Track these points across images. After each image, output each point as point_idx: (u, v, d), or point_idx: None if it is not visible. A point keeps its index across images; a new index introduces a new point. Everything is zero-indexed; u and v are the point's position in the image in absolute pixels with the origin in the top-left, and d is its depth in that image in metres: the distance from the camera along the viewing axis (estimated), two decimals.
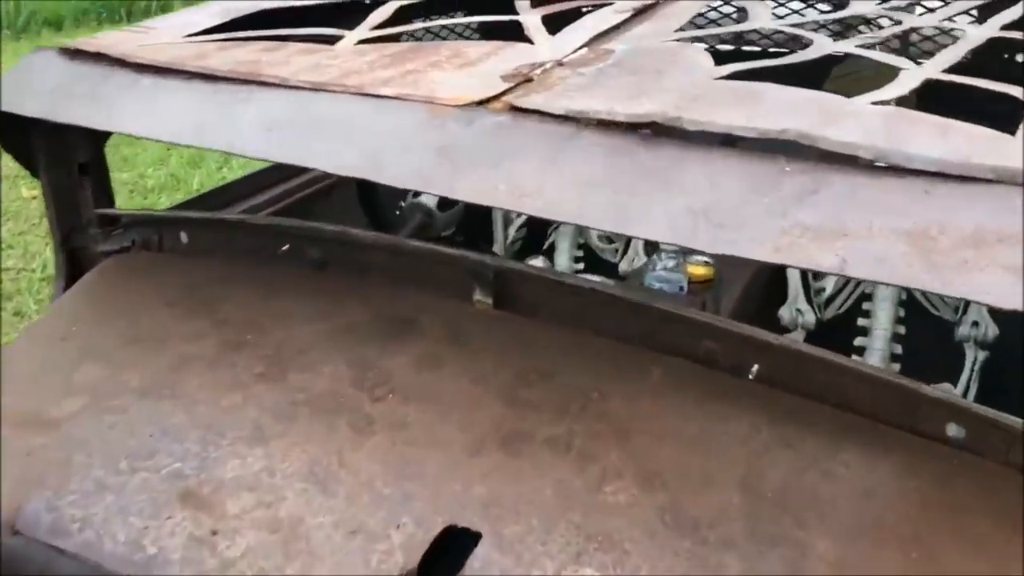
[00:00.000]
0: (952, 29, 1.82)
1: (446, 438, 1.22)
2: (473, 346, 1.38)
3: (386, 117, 1.36)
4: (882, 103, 1.26)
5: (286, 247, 1.64)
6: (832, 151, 1.11)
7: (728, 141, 1.20)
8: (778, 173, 1.12)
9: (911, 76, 1.38)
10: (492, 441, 1.20)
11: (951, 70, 1.42)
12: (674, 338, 1.34)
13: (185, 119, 1.47)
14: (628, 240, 2.82)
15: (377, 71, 1.51)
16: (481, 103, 1.34)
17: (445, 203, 2.35)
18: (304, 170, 2.66)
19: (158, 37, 1.77)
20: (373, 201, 2.40)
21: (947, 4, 2.00)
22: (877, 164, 1.10)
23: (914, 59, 2.04)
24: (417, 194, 2.40)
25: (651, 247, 2.76)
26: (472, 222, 2.57)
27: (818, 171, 1.11)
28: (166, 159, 5.65)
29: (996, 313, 2.53)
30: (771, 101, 1.28)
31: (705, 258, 2.42)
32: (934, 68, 1.42)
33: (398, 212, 2.48)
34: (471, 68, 1.51)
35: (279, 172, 2.61)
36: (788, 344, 1.27)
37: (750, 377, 1.30)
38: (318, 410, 1.27)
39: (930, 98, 1.42)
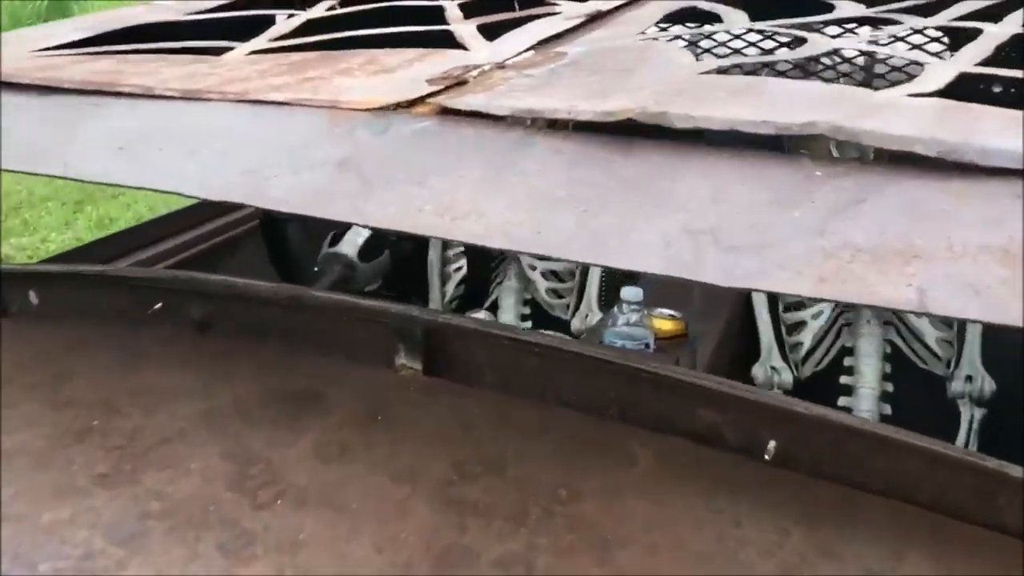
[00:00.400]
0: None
1: (357, 560, 0.87)
2: (395, 428, 1.04)
3: (274, 127, 1.03)
4: (920, 96, 0.98)
5: (158, 305, 1.28)
6: (880, 146, 0.81)
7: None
8: (805, 179, 0.82)
9: (941, 70, 1.10)
10: (421, 564, 0.85)
11: (983, 64, 1.15)
12: (663, 408, 1.01)
13: (12, 139, 1.12)
14: (580, 293, 2.51)
15: (269, 79, 1.18)
16: (400, 106, 1.02)
17: (368, 252, 2.02)
18: (213, 215, 2.32)
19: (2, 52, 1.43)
20: (283, 253, 2.06)
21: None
22: (939, 163, 0.80)
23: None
24: (335, 241, 2.07)
25: (606, 301, 2.45)
26: (401, 275, 2.24)
27: (861, 175, 0.81)
28: (72, 222, 5.22)
29: (992, 366, 2.26)
30: (777, 94, 0.98)
31: (671, 312, 2.12)
32: (965, 62, 1.15)
33: (316, 268, 2.15)
34: (389, 75, 1.19)
35: (189, 217, 2.26)
36: (816, 413, 0.95)
37: (766, 458, 0.98)
38: (178, 525, 0.91)
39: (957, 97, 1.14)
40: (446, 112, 0.99)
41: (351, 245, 2.01)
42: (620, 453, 0.98)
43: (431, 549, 0.86)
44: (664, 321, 2.05)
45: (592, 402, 1.04)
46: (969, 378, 2.25)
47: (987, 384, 2.23)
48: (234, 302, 1.23)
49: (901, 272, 0.71)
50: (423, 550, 0.86)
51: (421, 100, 1.03)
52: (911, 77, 1.08)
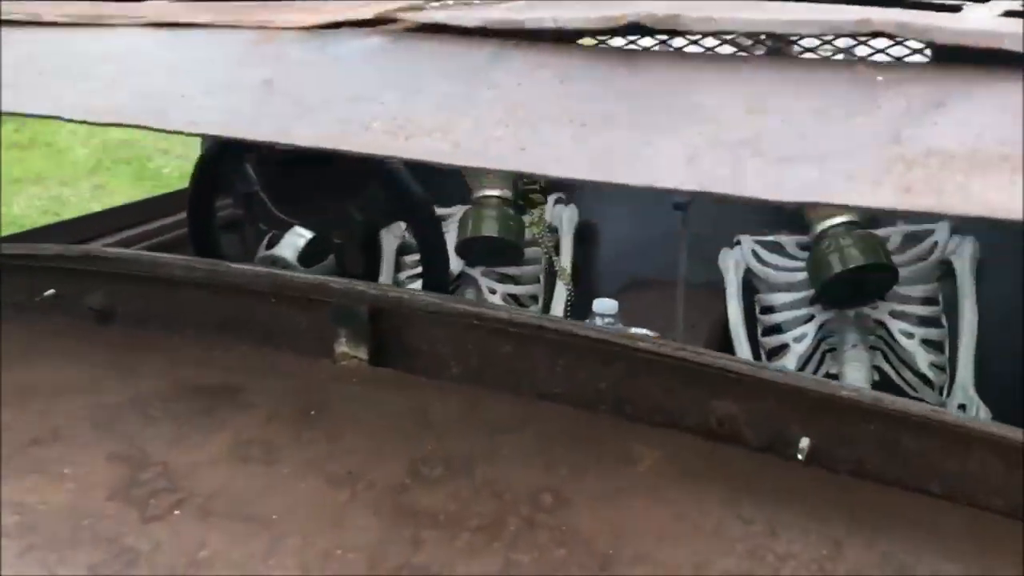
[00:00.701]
0: None
1: None
2: (333, 425, 0.83)
3: (188, 49, 0.83)
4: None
5: (51, 292, 1.06)
6: (960, 43, 0.63)
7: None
8: (864, 85, 0.64)
9: (985, 9, 0.94)
10: None
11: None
12: (670, 398, 0.82)
13: None
14: (551, 288, 2.30)
15: (192, 14, 0.99)
16: (343, 25, 0.83)
17: (310, 256, 1.81)
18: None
19: None
20: (208, 252, 1.83)
21: None
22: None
23: None
24: (272, 244, 1.85)
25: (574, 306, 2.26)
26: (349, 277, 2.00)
27: (930, 78, 0.64)
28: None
29: (986, 394, 2.10)
30: None
31: (646, 331, 1.94)
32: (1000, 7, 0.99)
33: None
34: (332, 13, 1.00)
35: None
36: (862, 399, 0.76)
37: (799, 458, 0.78)
38: (38, 544, 0.68)
39: None
40: (400, 29, 0.80)
41: (290, 248, 1.80)
42: (617, 451, 0.78)
43: (376, 568, 0.65)
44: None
45: (582, 393, 0.84)
46: (962, 407, 2.09)
47: (982, 413, 2.07)
48: (141, 284, 1.01)
49: (1005, 178, 0.53)
50: (365, 569, 0.64)
51: (368, 22, 0.84)
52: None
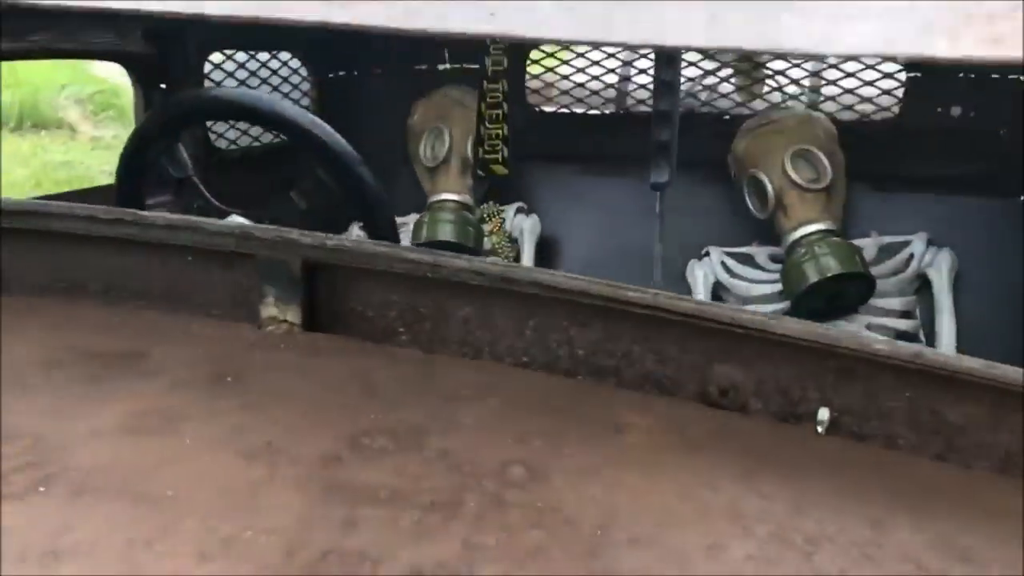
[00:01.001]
0: None
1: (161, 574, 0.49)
2: (253, 392, 0.67)
3: None
4: None
5: None
6: None
7: None
8: None
9: None
10: None
11: None
12: (664, 364, 0.68)
13: None
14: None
15: None
16: None
17: None
18: None
19: None
20: None
21: None
22: None
23: None
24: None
25: None
26: None
27: None
28: None
29: None
30: None
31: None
32: None
33: None
34: None
35: None
36: (893, 354, 0.63)
37: (819, 431, 0.65)
38: None
39: None
40: None
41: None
42: (602, 419, 0.64)
43: (295, 555, 0.49)
44: None
45: (557, 358, 0.70)
46: None
47: None
48: (32, 240, 0.85)
49: None
50: (281, 556, 0.49)
51: None
52: None
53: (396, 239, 1.60)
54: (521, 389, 0.68)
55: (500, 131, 1.64)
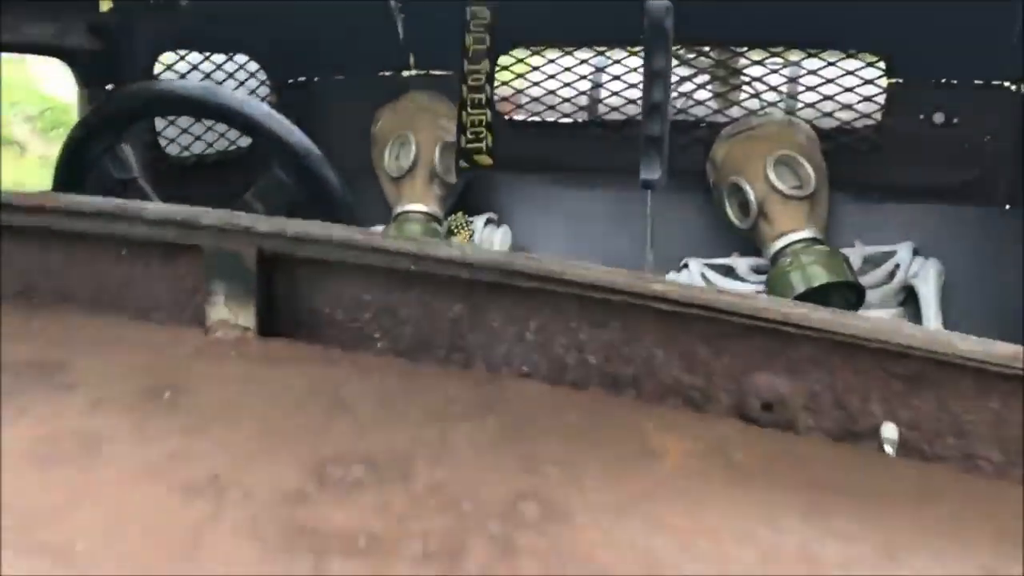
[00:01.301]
0: None
1: None
2: (193, 412, 0.55)
3: None
4: None
5: None
6: None
7: None
8: None
9: None
10: None
11: None
12: (691, 367, 0.57)
13: None
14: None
15: None
16: None
17: None
18: None
19: None
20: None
21: None
22: None
23: None
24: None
25: None
26: None
27: None
28: None
29: None
30: None
31: None
32: None
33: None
34: None
35: None
36: (971, 352, 0.52)
37: (887, 450, 0.54)
38: None
39: None
40: None
41: None
42: (626, 443, 0.52)
43: None
44: None
45: (565, 364, 0.58)
46: None
47: None
48: None
49: None
50: None
51: None
52: None
53: None
54: (525, 405, 0.56)
55: (484, 117, 1.52)
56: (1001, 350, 0.50)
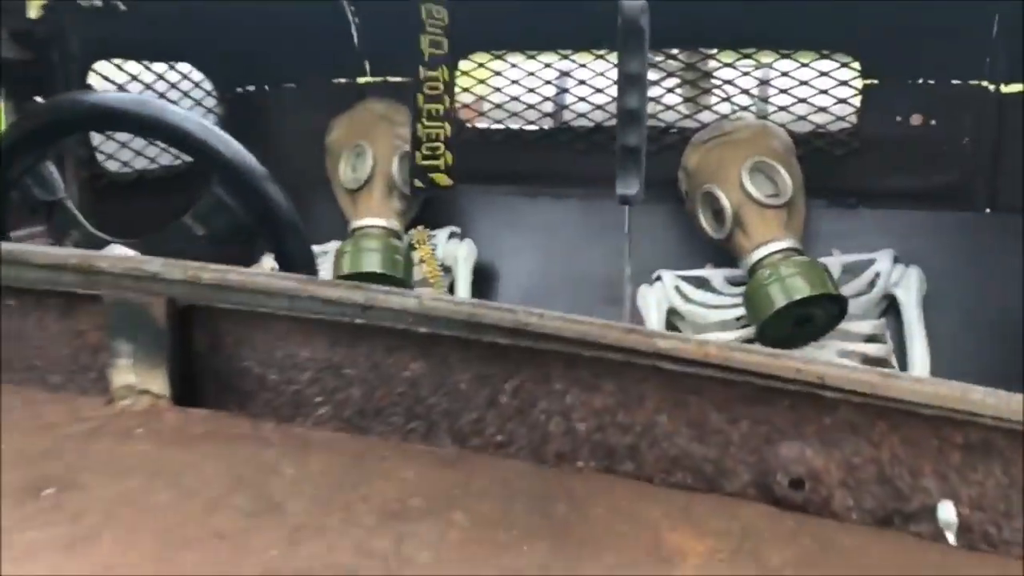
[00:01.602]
0: None
1: None
2: (83, 512, 0.43)
3: None
4: None
5: None
6: None
7: None
8: None
9: None
10: None
11: None
12: (701, 436, 0.46)
13: None
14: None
15: None
16: None
17: None
18: None
19: None
20: None
21: None
22: None
23: None
24: None
25: None
26: None
27: None
28: None
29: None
30: None
31: None
32: None
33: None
34: None
35: None
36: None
37: (948, 538, 0.44)
38: None
39: None
40: None
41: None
42: (634, 543, 0.41)
43: None
44: None
45: (548, 434, 0.48)
46: None
47: None
48: None
49: None
50: None
51: None
52: None
53: (313, 270, 1.36)
54: (501, 492, 0.45)
55: (442, 131, 1.40)
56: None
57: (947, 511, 0.45)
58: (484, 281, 2.18)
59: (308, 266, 1.29)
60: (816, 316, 1.82)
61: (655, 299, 2.05)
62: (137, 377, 0.52)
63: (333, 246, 2.09)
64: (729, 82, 2.16)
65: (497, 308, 0.46)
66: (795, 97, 2.08)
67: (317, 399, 0.53)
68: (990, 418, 0.42)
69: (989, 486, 0.44)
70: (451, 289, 2.13)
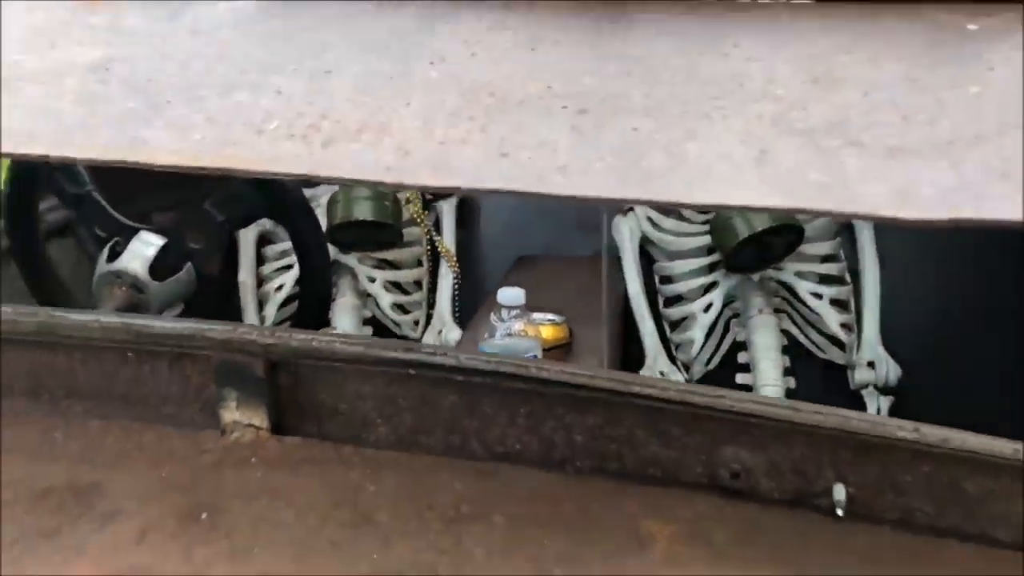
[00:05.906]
0: None
1: None
2: (233, 533, 0.61)
3: None
4: None
5: None
6: None
7: None
8: (958, 36, 0.47)
9: None
10: None
11: None
12: (675, 452, 0.64)
13: None
14: (431, 306, 2.12)
15: None
16: None
17: (162, 268, 1.50)
18: None
19: None
20: (42, 272, 1.51)
21: None
22: None
23: None
24: (114, 256, 1.55)
25: (462, 312, 2.07)
26: (210, 296, 1.71)
27: None
28: None
29: (896, 350, 2.05)
30: None
31: (551, 315, 1.78)
32: None
33: (93, 294, 1.61)
34: None
35: None
36: (900, 436, 0.61)
37: (839, 513, 0.62)
38: None
39: None
40: None
41: (138, 259, 1.50)
42: (618, 530, 0.60)
43: None
44: (546, 327, 1.71)
45: (553, 443, 0.66)
46: (871, 364, 2.03)
47: (891, 370, 2.02)
48: None
49: None
50: None
51: None
52: None
53: (324, 249, 1.50)
54: (524, 497, 0.63)
55: None
56: (899, 429, 0.58)
57: (840, 492, 0.63)
58: (466, 216, 2.32)
59: (319, 247, 1.44)
60: (776, 244, 1.99)
61: (628, 228, 2.20)
62: (241, 415, 0.69)
63: (324, 191, 2.21)
64: None
65: (515, 363, 0.64)
66: None
67: (377, 420, 0.70)
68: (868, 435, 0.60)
69: (869, 475, 0.63)
70: (436, 225, 2.27)
